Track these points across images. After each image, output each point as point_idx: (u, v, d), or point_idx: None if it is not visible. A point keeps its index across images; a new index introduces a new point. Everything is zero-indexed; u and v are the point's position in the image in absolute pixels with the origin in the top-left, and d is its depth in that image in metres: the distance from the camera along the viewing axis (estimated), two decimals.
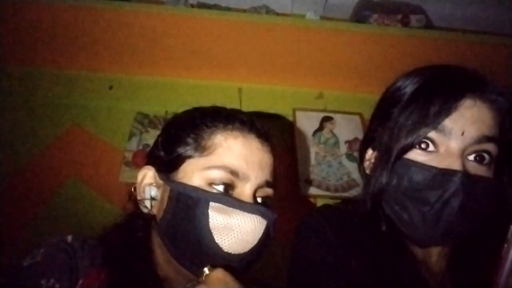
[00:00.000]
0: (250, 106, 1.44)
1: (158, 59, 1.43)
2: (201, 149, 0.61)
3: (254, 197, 0.62)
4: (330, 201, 1.35)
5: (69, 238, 0.62)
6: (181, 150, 0.62)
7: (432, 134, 0.61)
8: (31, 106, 1.42)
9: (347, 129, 1.53)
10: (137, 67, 1.47)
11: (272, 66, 1.45)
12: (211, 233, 0.56)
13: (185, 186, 0.59)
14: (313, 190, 1.41)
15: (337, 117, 1.55)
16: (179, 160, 0.62)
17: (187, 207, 0.58)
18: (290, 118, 1.52)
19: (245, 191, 0.60)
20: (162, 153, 0.64)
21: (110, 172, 1.35)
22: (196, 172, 0.60)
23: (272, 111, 1.49)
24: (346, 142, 1.51)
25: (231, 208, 0.57)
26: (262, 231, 0.58)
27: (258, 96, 1.52)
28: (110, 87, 1.48)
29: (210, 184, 0.59)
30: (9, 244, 1.17)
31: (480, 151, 0.60)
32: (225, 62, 1.43)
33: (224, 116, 0.65)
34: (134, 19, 1.24)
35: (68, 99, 1.45)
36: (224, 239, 0.56)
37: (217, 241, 0.56)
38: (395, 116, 0.65)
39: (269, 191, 0.64)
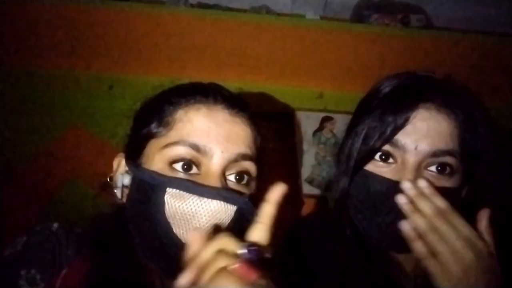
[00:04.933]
0: (250, 106, 1.44)
1: (158, 59, 1.42)
2: (162, 127, 0.56)
3: (224, 175, 0.55)
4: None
5: (55, 225, 0.58)
6: (144, 130, 0.58)
7: (387, 147, 0.62)
8: (31, 106, 1.41)
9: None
10: (137, 67, 1.46)
11: (272, 66, 1.45)
12: (168, 223, 0.50)
13: (144, 171, 0.54)
14: (313, 190, 1.41)
15: (337, 117, 1.54)
16: (143, 142, 0.57)
17: (145, 194, 0.52)
18: (290, 118, 1.52)
19: (211, 167, 0.54)
20: (130, 138, 0.61)
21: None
22: (157, 153, 0.55)
23: (272, 111, 1.49)
24: None
25: (188, 194, 0.50)
26: (230, 218, 0.51)
27: (258, 96, 1.52)
28: (110, 87, 1.48)
29: (171, 164, 0.54)
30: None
31: (438, 163, 0.60)
32: (225, 62, 1.43)
33: (187, 90, 0.60)
34: (134, 19, 1.24)
35: (68, 99, 1.44)
36: (183, 230, 0.50)
37: (175, 232, 0.50)
38: (356, 127, 0.67)
39: (246, 164, 0.57)
